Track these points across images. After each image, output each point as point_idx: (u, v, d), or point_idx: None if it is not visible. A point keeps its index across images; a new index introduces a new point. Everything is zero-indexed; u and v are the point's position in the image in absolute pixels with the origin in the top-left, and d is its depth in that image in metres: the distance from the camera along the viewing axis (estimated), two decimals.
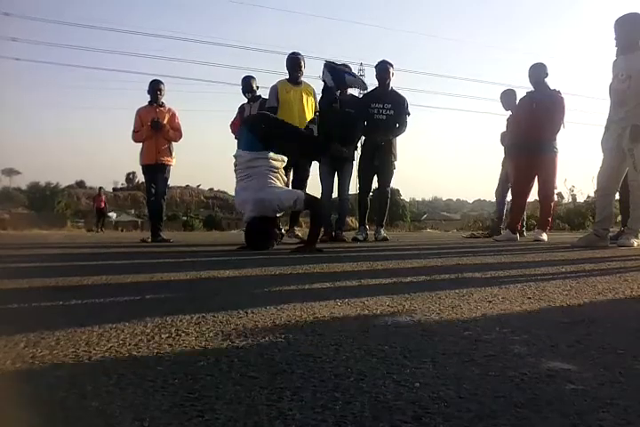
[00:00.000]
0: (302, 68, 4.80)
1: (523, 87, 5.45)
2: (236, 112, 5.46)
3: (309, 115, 4.75)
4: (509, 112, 5.90)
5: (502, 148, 6.17)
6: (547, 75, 4.93)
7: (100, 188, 20.93)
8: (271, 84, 4.87)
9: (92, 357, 0.89)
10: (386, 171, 5.17)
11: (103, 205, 18.62)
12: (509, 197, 5.77)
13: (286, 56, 4.86)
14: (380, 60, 5.19)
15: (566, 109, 4.93)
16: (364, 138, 5.27)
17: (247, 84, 5.29)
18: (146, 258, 3.38)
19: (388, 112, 5.00)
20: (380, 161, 5.09)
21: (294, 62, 4.77)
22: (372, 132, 5.00)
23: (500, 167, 6.25)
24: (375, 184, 5.27)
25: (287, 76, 4.84)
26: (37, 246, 4.77)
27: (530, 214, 9.16)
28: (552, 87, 4.95)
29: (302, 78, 4.88)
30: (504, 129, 6.16)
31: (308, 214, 3.98)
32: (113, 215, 19.26)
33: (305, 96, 4.73)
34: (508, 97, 5.88)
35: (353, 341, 0.99)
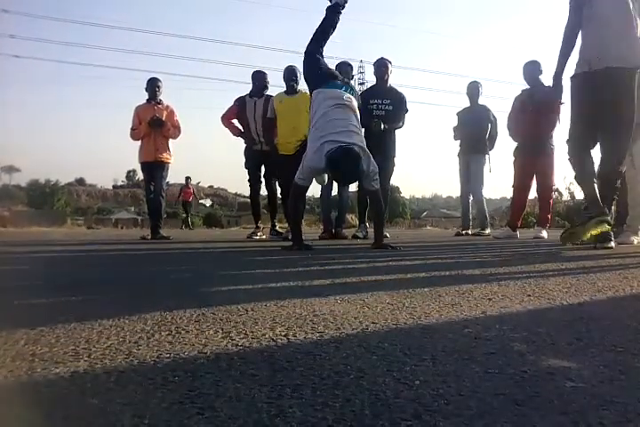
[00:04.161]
0: (298, 79, 4.79)
1: (519, 84, 5.46)
2: (229, 105, 5.33)
3: (306, 123, 4.66)
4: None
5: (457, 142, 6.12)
6: (541, 72, 4.94)
7: (188, 178, 16.06)
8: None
9: (91, 354, 0.89)
10: (385, 168, 5.16)
11: (191, 198, 15.70)
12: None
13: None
14: (379, 57, 5.21)
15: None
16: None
17: (263, 79, 5.26)
18: (145, 255, 3.38)
19: (386, 107, 5.00)
20: (379, 158, 5.09)
21: (290, 73, 4.82)
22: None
23: (458, 162, 6.11)
24: None
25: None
26: (37, 244, 4.77)
27: (529, 211, 9.16)
28: (547, 84, 4.95)
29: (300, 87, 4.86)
30: (455, 124, 6.13)
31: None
32: (207, 202, 16.91)
33: (302, 105, 4.57)
34: (474, 89, 5.94)
35: (353, 338, 0.99)
